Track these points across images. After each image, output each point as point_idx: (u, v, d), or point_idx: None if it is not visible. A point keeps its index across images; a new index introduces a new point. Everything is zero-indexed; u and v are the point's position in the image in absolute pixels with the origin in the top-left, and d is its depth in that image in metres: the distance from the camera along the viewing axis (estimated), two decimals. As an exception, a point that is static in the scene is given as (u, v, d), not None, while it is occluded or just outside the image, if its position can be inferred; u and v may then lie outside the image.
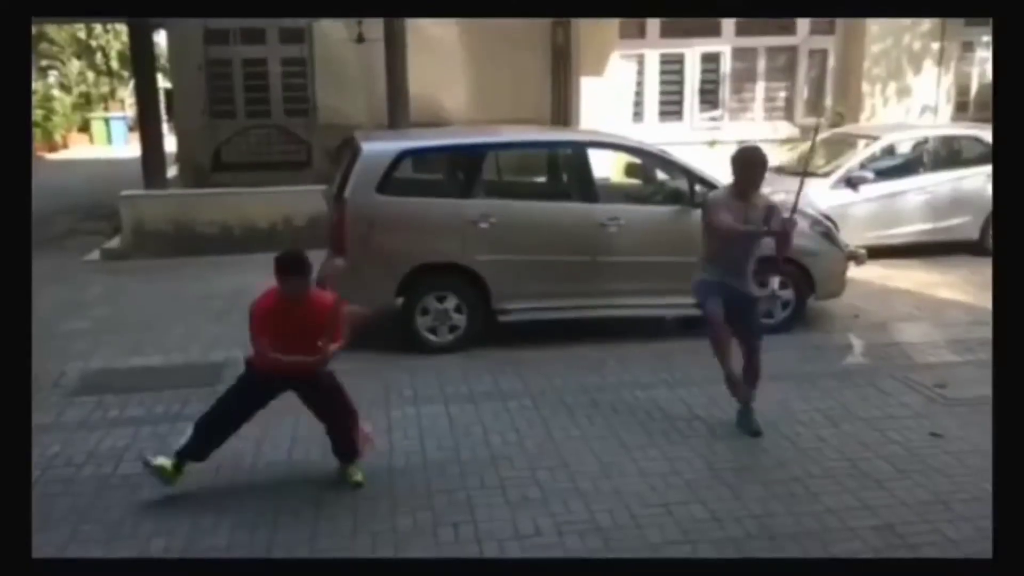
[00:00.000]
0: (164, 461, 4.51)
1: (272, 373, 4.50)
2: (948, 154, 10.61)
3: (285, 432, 5.29)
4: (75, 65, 28.89)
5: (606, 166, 9.19)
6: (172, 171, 13.46)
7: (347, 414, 4.67)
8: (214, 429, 4.58)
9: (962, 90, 13.79)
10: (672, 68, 13.23)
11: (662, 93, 13.29)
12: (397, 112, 10.75)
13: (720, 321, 5.23)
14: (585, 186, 7.34)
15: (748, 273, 5.32)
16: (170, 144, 13.52)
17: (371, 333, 7.38)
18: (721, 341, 5.27)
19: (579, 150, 7.50)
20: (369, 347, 7.04)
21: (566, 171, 8.01)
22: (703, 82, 13.32)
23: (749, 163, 5.20)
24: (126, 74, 27.67)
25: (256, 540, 4.15)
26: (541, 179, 8.76)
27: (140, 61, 11.79)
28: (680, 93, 13.31)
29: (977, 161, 10.44)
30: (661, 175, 7.86)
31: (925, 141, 10.58)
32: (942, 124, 12.66)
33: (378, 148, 7.07)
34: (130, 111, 26.74)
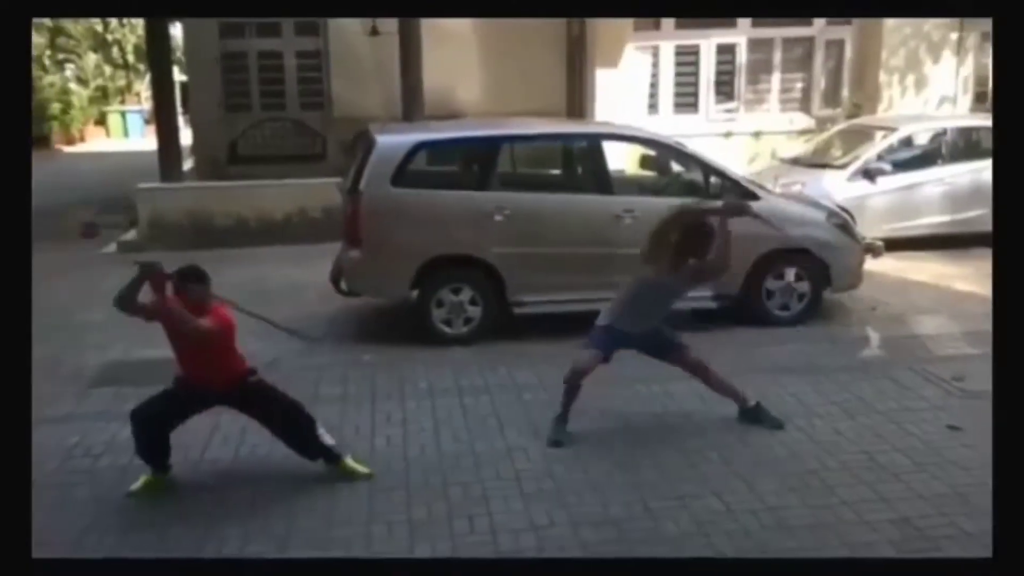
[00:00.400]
0: (143, 482, 4.57)
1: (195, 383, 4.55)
2: (966, 145, 10.50)
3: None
4: (92, 59, 29.06)
5: (621, 158, 9.15)
6: (188, 164, 13.53)
7: (288, 414, 4.61)
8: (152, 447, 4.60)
9: (981, 80, 13.62)
10: (687, 60, 13.15)
11: (677, 85, 13.21)
12: (411, 105, 10.75)
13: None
14: (600, 178, 7.32)
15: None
16: (186, 137, 13.57)
17: (386, 325, 7.42)
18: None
19: (594, 142, 7.48)
20: (384, 339, 7.08)
21: (581, 163, 7.99)
22: (718, 74, 13.23)
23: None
24: (142, 68, 27.82)
25: (273, 529, 4.18)
26: (556, 171, 8.74)
27: (156, 55, 11.84)
28: (695, 85, 13.23)
29: (996, 152, 10.34)
30: (676, 167, 7.83)
31: (943, 132, 10.47)
32: (960, 115, 12.54)
33: (393, 141, 7.08)
34: (146, 104, 26.94)
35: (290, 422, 4.63)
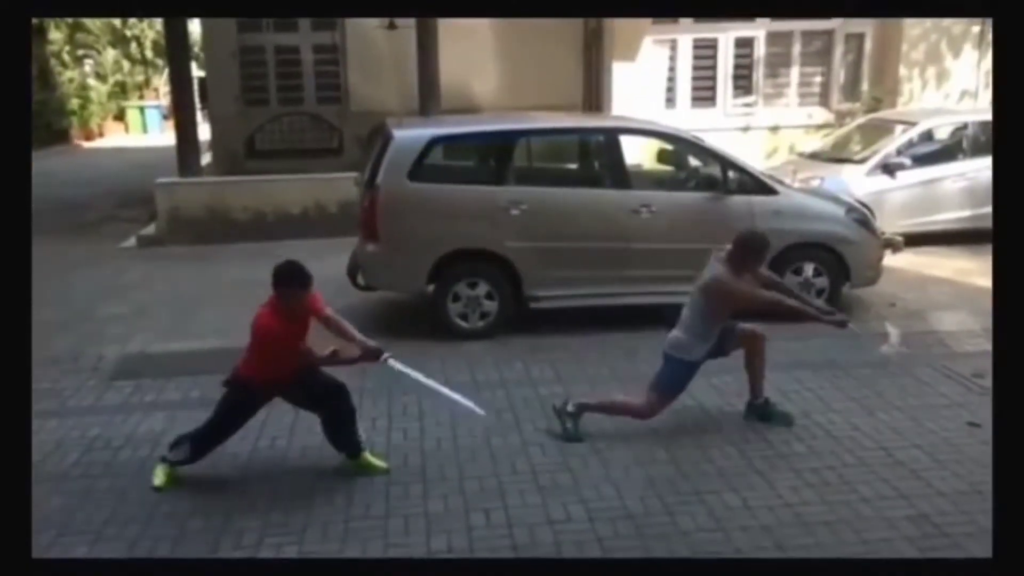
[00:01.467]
0: (161, 477, 4.58)
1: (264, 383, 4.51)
2: (988, 140, 10.39)
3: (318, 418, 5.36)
4: (110, 54, 29.26)
5: (638, 152, 9.13)
6: (206, 158, 13.61)
7: (335, 399, 4.62)
8: (209, 443, 4.62)
9: (1003, 74, 13.51)
10: (705, 53, 13.08)
11: (695, 79, 13.15)
12: (428, 99, 10.77)
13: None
14: (617, 172, 7.30)
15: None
16: (204, 132, 13.65)
17: (403, 320, 7.44)
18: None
19: (611, 136, 7.47)
20: (400, 334, 7.09)
21: (598, 157, 7.97)
22: (736, 67, 13.16)
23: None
24: (160, 63, 28.00)
25: (292, 522, 4.20)
26: (573, 165, 8.74)
27: (174, 50, 11.90)
28: (713, 79, 13.17)
29: (1018, 147, 10.24)
30: (694, 161, 7.79)
31: (964, 127, 10.37)
32: (981, 109, 12.40)
33: (409, 135, 7.09)
34: (165, 99, 27.06)
35: (335, 408, 4.62)
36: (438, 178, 7.10)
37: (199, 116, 12.31)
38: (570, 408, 5.11)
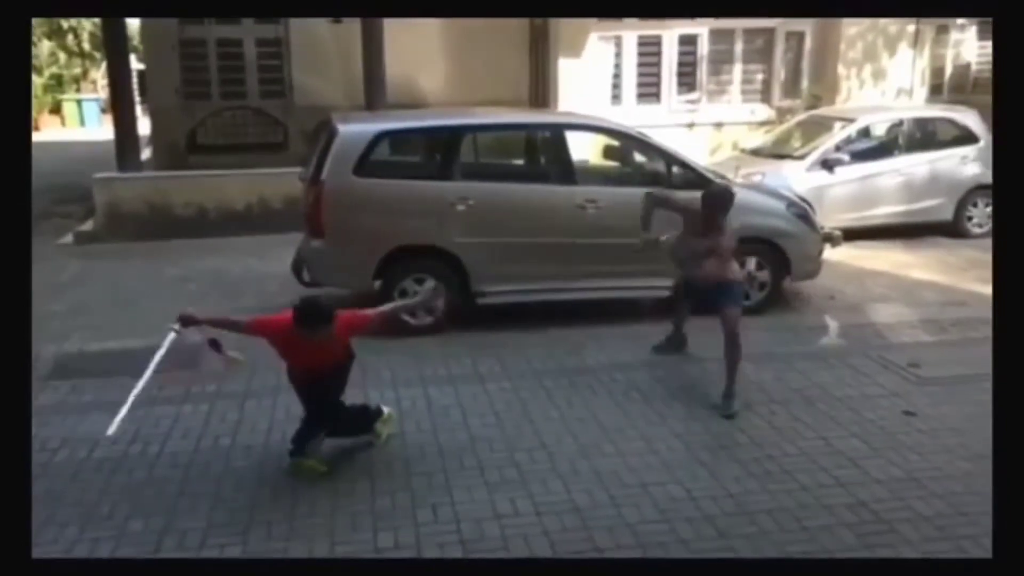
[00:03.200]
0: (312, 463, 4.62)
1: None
2: (923, 136, 10.70)
3: (263, 415, 5.30)
4: (46, 46, 28.40)
5: (584, 148, 9.18)
6: (146, 153, 13.32)
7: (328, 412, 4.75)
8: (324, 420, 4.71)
9: (936, 72, 13.89)
10: (650, 50, 13.18)
11: (640, 75, 13.24)
12: (374, 93, 10.69)
13: None
14: (563, 168, 7.34)
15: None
16: (144, 126, 13.36)
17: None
18: None
19: (557, 132, 7.50)
20: (347, 330, 7.03)
21: (544, 153, 8.01)
22: (681, 64, 13.29)
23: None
24: (98, 55, 27.27)
25: (236, 521, 4.15)
26: (519, 161, 8.75)
27: (113, 42, 11.62)
28: (658, 75, 13.28)
29: (951, 143, 10.56)
30: (639, 157, 7.87)
31: (900, 123, 10.66)
32: (917, 106, 12.76)
33: (355, 130, 7.03)
34: (103, 93, 26.40)
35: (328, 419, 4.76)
36: (384, 173, 7.05)
37: (139, 110, 12.03)
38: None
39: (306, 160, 7.93)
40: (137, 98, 12.02)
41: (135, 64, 14.95)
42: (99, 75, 28.64)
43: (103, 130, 21.57)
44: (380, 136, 7.07)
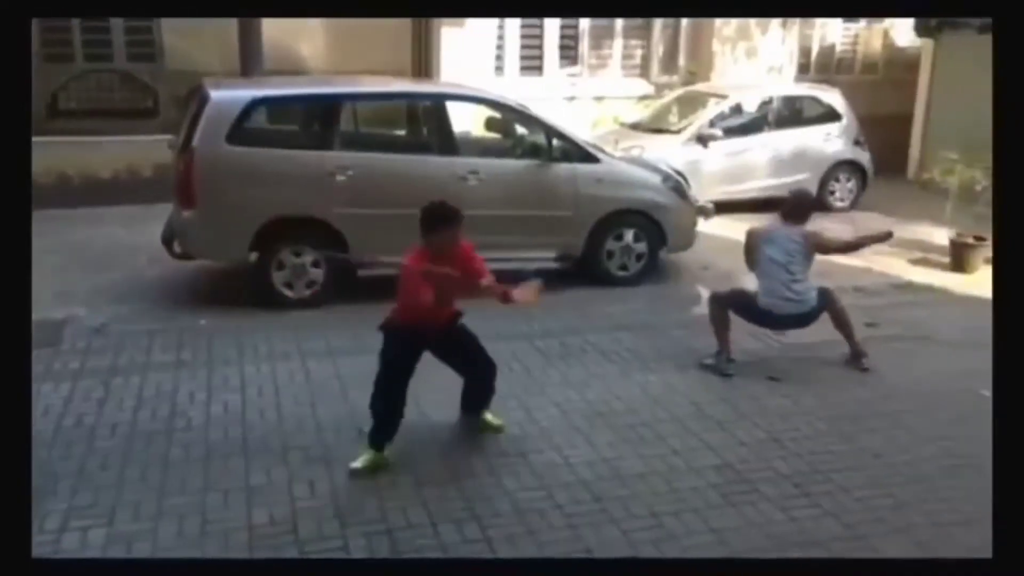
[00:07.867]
0: (366, 459, 4.36)
1: (417, 326, 4.47)
2: (790, 113, 11.18)
3: (131, 392, 5.11)
4: None
5: (466, 119, 9.15)
6: (1, 117, 12.48)
7: (487, 364, 4.71)
8: (391, 404, 4.45)
9: (804, 52, 14.46)
10: (532, 22, 13.21)
11: (523, 47, 13.27)
12: (250, 59, 10.32)
13: None
14: (445, 139, 7.31)
15: None
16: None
17: (222, 289, 7.18)
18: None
19: (438, 102, 7.46)
20: (221, 304, 6.85)
21: (426, 124, 7.94)
22: (562, 38, 13.38)
23: None
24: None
25: (101, 502, 3.98)
26: (400, 131, 8.64)
27: (-40, -4, 10.79)
28: (540, 48, 13.34)
29: (816, 120, 11.07)
30: (520, 129, 7.90)
31: (769, 101, 11.08)
32: (785, 84, 13.27)
33: (228, 96, 6.79)
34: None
35: (486, 370, 4.71)
36: (259, 142, 6.85)
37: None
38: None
39: (177, 127, 7.61)
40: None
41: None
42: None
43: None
44: (254, 103, 6.86)
